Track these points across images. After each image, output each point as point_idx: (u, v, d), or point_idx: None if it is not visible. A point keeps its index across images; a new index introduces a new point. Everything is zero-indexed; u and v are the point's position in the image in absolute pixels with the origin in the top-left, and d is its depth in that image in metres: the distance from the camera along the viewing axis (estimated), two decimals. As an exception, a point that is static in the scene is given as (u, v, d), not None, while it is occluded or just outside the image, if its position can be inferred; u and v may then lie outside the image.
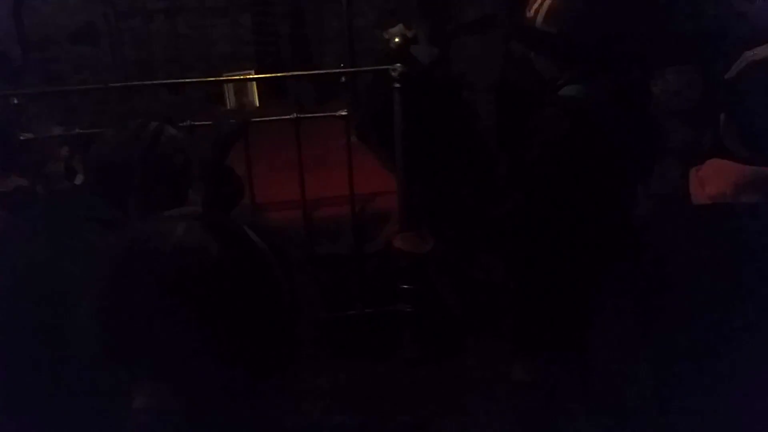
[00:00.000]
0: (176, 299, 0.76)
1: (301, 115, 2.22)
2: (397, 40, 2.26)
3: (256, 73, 3.21)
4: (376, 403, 2.24)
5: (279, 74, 2.97)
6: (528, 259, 1.77)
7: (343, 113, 2.25)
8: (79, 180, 2.35)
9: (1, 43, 2.86)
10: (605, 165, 1.59)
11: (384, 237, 2.38)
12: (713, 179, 1.10)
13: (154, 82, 2.73)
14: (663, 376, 1.11)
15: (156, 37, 3.53)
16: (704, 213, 1.11)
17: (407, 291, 2.38)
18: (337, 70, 2.57)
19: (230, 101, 3.31)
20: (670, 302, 1.10)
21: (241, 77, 2.95)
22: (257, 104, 3.32)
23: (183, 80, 2.64)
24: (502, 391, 2.25)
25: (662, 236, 1.15)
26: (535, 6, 1.57)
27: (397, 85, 2.22)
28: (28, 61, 3.11)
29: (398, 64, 2.20)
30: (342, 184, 2.31)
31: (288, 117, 2.21)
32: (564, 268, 1.66)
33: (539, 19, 1.56)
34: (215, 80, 2.89)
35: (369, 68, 2.64)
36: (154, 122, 1.36)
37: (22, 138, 2.08)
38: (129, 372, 0.81)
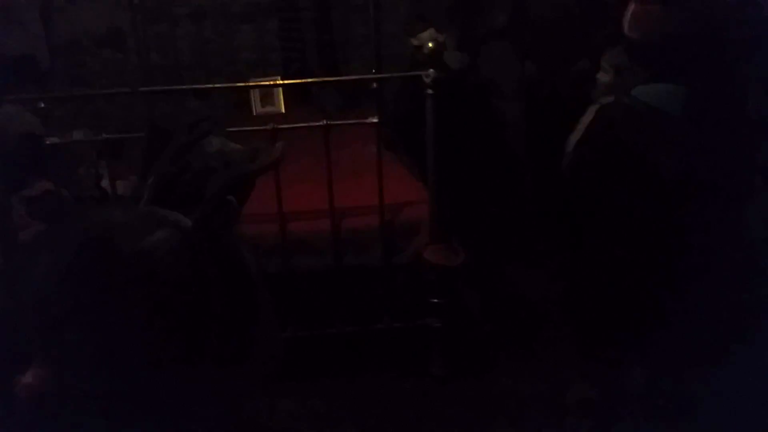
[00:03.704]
0: (120, 296, 0.70)
1: (332, 122, 2.16)
2: (430, 45, 2.18)
3: (281, 80, 3.17)
4: (403, 421, 2.16)
5: (310, 80, 2.92)
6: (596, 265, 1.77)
7: (374, 120, 2.19)
8: (104, 184, 2.32)
9: (29, 47, 2.85)
10: (666, 171, 1.55)
11: (413, 249, 2.30)
12: None
13: (181, 87, 2.69)
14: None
15: (182, 43, 3.51)
16: None
17: (437, 305, 2.30)
18: (368, 76, 2.50)
19: (256, 107, 3.28)
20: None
21: (270, 83, 2.91)
22: (283, 110, 3.29)
23: (210, 86, 2.60)
24: (533, 411, 2.16)
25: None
26: (625, 18, 1.69)
27: (430, 91, 2.15)
28: (55, 66, 3.11)
29: (431, 70, 2.13)
30: (370, 193, 2.24)
31: (318, 124, 2.15)
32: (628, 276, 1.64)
33: (625, 26, 1.67)
34: (243, 86, 2.85)
35: (401, 74, 2.57)
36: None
37: (48, 142, 2.05)
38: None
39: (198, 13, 3.51)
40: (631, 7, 1.65)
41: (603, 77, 2.30)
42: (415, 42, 2.73)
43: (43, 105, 2.06)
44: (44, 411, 0.71)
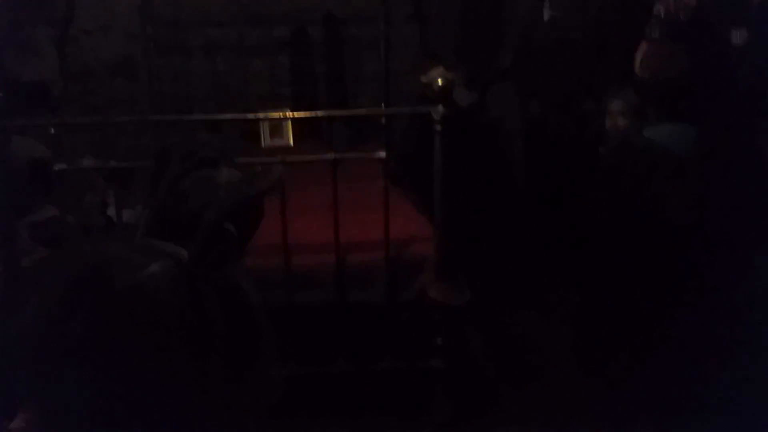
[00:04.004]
0: (113, 331, 0.68)
1: (339, 156, 2.16)
2: (439, 82, 2.19)
3: (291, 113, 3.19)
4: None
5: (319, 113, 2.93)
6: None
7: (382, 155, 2.18)
8: (111, 212, 2.31)
9: (43, 74, 2.88)
10: (677, 211, 1.54)
11: (418, 286, 2.26)
12: None
13: (190, 117, 2.71)
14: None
15: (194, 74, 3.55)
16: None
17: (441, 347, 2.24)
18: (377, 111, 2.52)
19: (265, 139, 3.30)
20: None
21: (279, 116, 2.92)
22: (291, 143, 3.30)
23: (220, 117, 2.61)
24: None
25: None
26: (637, 57, 1.76)
27: (438, 127, 2.15)
28: (67, 93, 3.14)
29: (440, 107, 2.14)
30: (376, 228, 2.22)
31: (325, 157, 2.15)
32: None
33: (636, 66, 1.76)
34: (251, 118, 2.87)
35: (410, 109, 2.58)
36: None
37: (55, 169, 2.05)
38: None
39: (210, 46, 3.56)
40: (643, 48, 1.67)
41: (621, 120, 2.28)
42: (424, 79, 2.74)
43: (53, 131, 2.07)
44: None
